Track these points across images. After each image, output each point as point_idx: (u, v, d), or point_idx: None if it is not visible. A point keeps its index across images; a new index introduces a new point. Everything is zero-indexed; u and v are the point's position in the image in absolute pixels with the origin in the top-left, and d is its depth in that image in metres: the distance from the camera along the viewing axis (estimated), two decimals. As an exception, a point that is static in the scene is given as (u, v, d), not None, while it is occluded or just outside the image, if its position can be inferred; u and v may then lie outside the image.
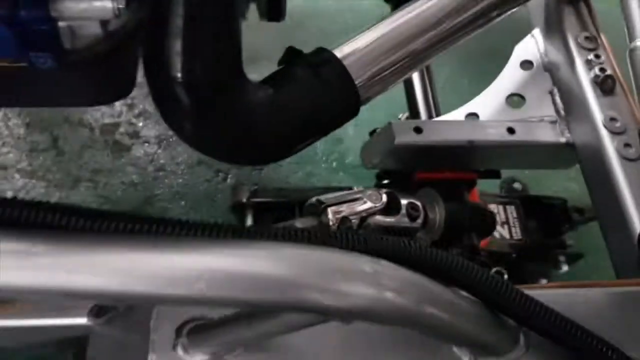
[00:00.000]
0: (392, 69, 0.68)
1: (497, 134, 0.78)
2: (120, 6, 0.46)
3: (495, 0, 0.74)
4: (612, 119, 0.74)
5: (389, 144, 0.75)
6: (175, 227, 0.30)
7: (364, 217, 0.69)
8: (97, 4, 0.46)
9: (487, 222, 0.84)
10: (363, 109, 0.68)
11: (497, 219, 1.20)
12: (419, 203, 0.71)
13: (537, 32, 0.89)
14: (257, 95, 0.58)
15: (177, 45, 0.50)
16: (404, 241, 0.36)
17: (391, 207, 0.69)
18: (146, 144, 1.30)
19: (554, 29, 0.85)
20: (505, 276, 1.16)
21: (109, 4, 0.46)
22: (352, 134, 1.41)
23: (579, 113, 0.79)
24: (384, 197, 0.70)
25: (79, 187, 1.25)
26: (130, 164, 1.28)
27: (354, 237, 0.34)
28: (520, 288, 0.42)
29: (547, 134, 0.80)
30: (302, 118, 0.60)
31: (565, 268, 1.20)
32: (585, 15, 0.84)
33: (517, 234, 1.19)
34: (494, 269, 1.17)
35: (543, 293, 0.45)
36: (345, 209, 0.68)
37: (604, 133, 0.74)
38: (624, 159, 0.72)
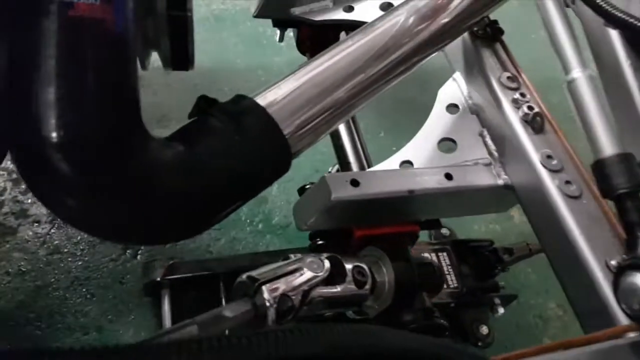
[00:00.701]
0: (323, 116, 0.60)
1: (436, 181, 0.73)
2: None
3: (414, 46, 0.71)
4: (549, 157, 0.72)
5: (325, 200, 0.67)
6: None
7: (306, 290, 0.59)
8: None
9: (436, 277, 0.77)
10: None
11: (432, 268, 1.16)
12: (365, 266, 0.63)
13: (457, 75, 0.87)
14: (163, 154, 0.47)
15: (48, 94, 0.39)
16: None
17: (335, 275, 0.60)
18: (36, 224, 1.12)
19: (475, 72, 0.83)
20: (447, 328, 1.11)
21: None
22: (276, 192, 1.33)
23: (513, 153, 0.76)
24: (327, 264, 0.61)
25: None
26: (16, 250, 1.09)
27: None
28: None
29: (484, 178, 0.77)
30: (222, 180, 0.49)
31: (501, 311, 1.18)
32: (503, 56, 0.83)
33: (453, 281, 1.15)
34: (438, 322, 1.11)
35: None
36: (282, 285, 0.58)
37: (543, 172, 0.71)
38: (567, 196, 0.68)
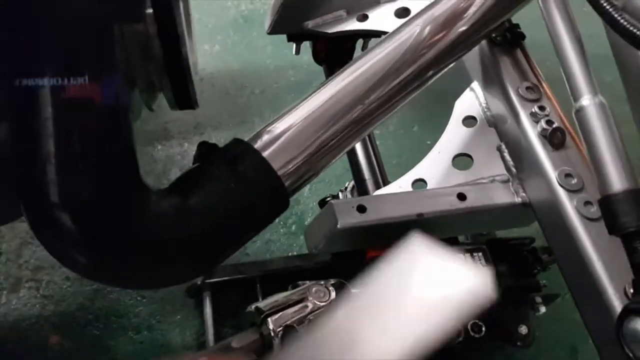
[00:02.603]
0: (323, 149, 0.60)
1: (447, 203, 0.71)
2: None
3: (430, 59, 0.69)
4: (568, 175, 0.69)
5: (332, 227, 0.68)
6: None
7: (311, 320, 0.61)
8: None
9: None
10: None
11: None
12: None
13: (475, 85, 0.84)
14: (161, 206, 0.49)
15: (50, 169, 0.42)
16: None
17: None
18: None
19: (492, 81, 0.80)
20: (483, 329, 1.09)
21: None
22: (308, 194, 1.34)
23: (531, 170, 0.73)
24: (333, 293, 0.62)
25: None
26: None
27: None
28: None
29: (501, 196, 0.74)
30: (218, 226, 0.51)
31: (543, 309, 1.15)
32: (524, 64, 0.80)
33: (488, 282, 1.13)
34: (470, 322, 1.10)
35: None
36: (288, 316, 0.60)
37: (561, 192, 0.68)
38: (586, 219, 0.65)
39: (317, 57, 0.97)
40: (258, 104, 1.53)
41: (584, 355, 1.26)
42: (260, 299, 1.14)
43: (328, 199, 0.97)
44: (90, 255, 0.46)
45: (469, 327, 1.10)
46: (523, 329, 1.12)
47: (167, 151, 1.43)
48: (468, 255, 1.15)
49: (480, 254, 1.16)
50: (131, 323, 1.13)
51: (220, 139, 1.46)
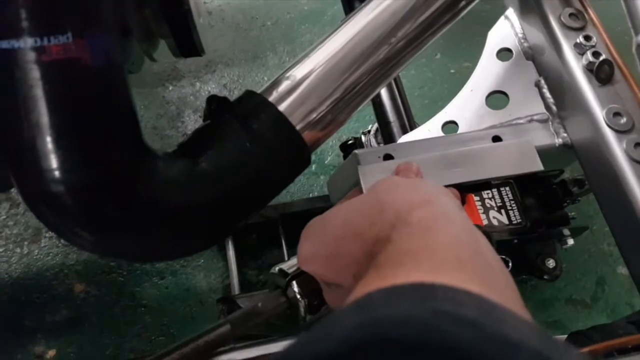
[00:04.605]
0: (344, 99, 0.54)
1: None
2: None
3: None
4: (616, 114, 0.62)
5: (357, 178, 0.63)
6: None
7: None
8: None
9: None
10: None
11: (493, 203, 1.11)
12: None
13: (510, 12, 0.76)
14: (169, 172, 0.45)
15: (44, 144, 0.37)
16: None
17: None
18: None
19: (530, 7, 0.72)
20: (510, 264, 1.07)
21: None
22: (328, 132, 1.29)
23: (574, 108, 0.66)
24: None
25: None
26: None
27: None
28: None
29: (540, 137, 0.68)
30: (232, 190, 0.46)
31: (571, 242, 1.12)
32: (567, -14, 0.71)
33: (515, 217, 1.09)
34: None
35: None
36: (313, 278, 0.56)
37: (608, 132, 0.61)
38: (636, 162, 0.59)
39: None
40: (270, 37, 1.45)
41: (611, 285, 1.24)
42: (282, 241, 1.14)
43: (350, 141, 0.92)
44: (94, 231, 0.42)
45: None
46: (550, 263, 1.09)
47: (179, 92, 1.38)
48: (495, 190, 1.11)
49: (507, 188, 1.11)
50: (155, 268, 1.14)
51: (233, 77, 1.40)
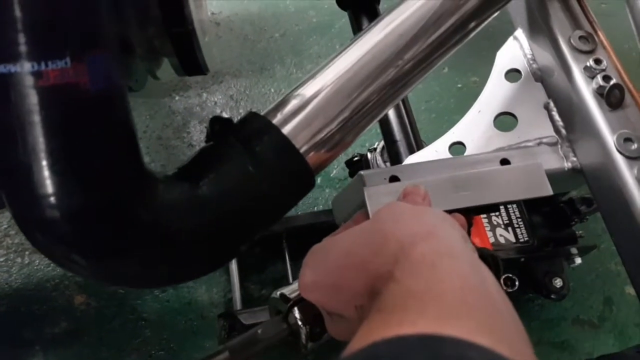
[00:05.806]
0: (352, 120, 0.53)
1: (489, 171, 0.64)
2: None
3: (473, 7, 0.60)
4: (627, 140, 0.61)
5: (362, 200, 0.62)
6: None
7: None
8: None
9: (492, 269, 0.70)
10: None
11: (500, 221, 1.09)
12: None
13: (519, 33, 0.75)
14: (169, 196, 0.44)
15: (40, 171, 0.36)
16: None
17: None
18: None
19: (540, 29, 0.71)
20: (517, 282, 1.05)
21: None
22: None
23: (584, 132, 0.65)
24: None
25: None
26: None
27: None
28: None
29: (549, 160, 0.67)
30: (234, 215, 0.45)
31: (578, 261, 1.11)
32: (576, 9, 0.70)
33: (522, 235, 1.08)
34: (503, 276, 1.06)
35: None
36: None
37: (619, 158, 0.60)
38: (647, 190, 0.58)
39: (342, 1, 0.87)
40: (278, 49, 1.45)
41: (619, 306, 1.22)
42: (286, 255, 1.13)
43: (356, 158, 0.91)
44: (91, 257, 0.41)
45: (501, 281, 1.06)
46: (558, 282, 1.08)
47: (186, 102, 1.37)
48: (502, 207, 1.10)
49: (514, 206, 1.10)
50: (157, 280, 1.13)
51: (240, 88, 1.40)
